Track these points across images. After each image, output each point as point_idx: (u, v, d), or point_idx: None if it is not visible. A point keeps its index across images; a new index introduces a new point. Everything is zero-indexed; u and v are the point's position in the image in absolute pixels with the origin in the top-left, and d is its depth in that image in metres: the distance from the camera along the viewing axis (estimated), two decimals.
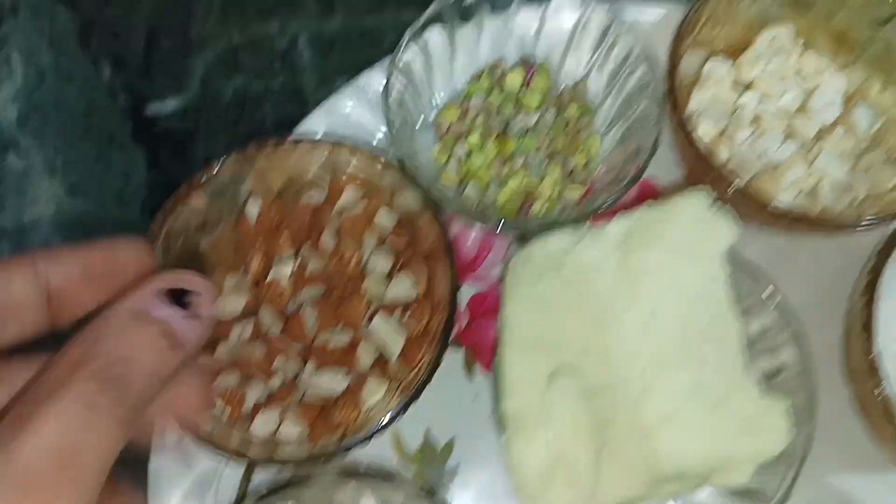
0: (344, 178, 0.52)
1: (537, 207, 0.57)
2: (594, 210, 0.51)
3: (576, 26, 0.57)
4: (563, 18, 0.56)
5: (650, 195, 0.59)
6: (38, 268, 0.32)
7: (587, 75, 0.59)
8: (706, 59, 0.58)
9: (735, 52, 0.58)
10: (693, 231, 0.43)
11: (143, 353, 0.29)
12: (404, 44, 0.54)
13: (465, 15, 0.57)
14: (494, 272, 0.57)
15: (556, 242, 0.43)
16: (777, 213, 0.49)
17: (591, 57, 0.58)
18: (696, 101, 0.57)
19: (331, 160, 0.51)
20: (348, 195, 0.51)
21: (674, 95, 0.51)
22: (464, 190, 0.57)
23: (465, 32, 0.58)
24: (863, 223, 0.49)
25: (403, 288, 0.49)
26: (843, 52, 0.57)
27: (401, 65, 0.54)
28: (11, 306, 0.31)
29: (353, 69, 0.61)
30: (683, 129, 0.50)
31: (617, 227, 0.44)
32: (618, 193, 0.51)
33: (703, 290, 0.43)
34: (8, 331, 0.32)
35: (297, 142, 0.50)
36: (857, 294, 0.49)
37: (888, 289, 0.48)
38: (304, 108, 0.62)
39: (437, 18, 0.55)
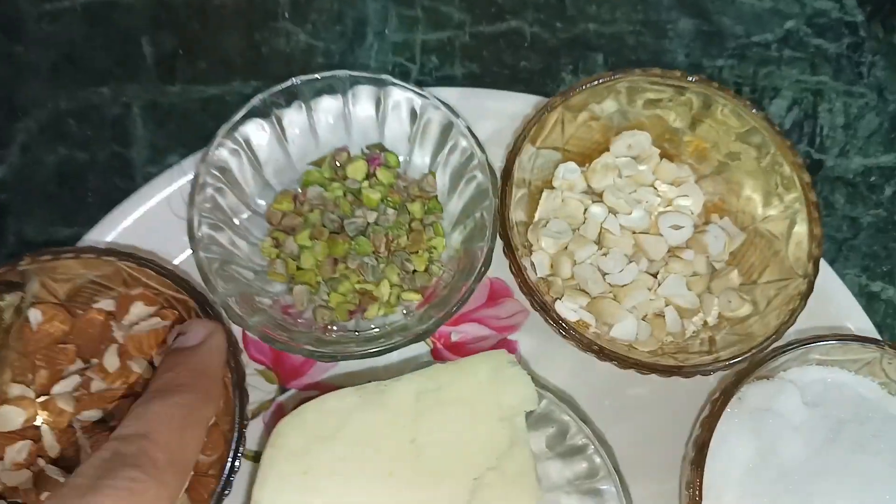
0: (135, 289, 0.46)
1: (372, 312, 0.52)
2: (425, 332, 0.47)
3: (416, 123, 0.52)
4: (404, 112, 0.51)
5: (502, 295, 0.54)
6: None
7: (434, 169, 0.54)
8: (560, 161, 0.53)
9: (593, 154, 0.54)
10: (489, 393, 0.38)
11: None
12: (217, 141, 0.48)
13: (293, 100, 0.52)
14: (324, 374, 0.52)
15: (334, 404, 0.38)
16: (605, 354, 0.45)
17: (435, 154, 0.53)
18: (545, 208, 0.52)
19: (118, 271, 0.46)
20: (137, 309, 0.46)
21: (504, 216, 0.47)
22: (292, 289, 0.52)
23: (301, 118, 0.53)
24: (696, 370, 0.45)
25: None
26: (706, 160, 0.53)
27: (213, 163, 0.49)
28: None
29: (191, 142, 0.56)
30: (511, 256, 0.46)
31: (406, 387, 0.39)
32: (447, 312, 0.47)
33: (500, 454, 0.38)
34: None
35: (77, 254, 0.45)
36: (690, 445, 0.45)
37: (720, 442, 0.44)
38: (131, 183, 0.57)
39: (257, 112, 0.50)
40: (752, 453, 0.45)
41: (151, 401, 0.37)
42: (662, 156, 0.53)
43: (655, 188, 0.52)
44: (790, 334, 0.47)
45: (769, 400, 0.45)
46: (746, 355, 0.44)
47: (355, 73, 0.49)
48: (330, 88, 0.51)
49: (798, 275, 0.47)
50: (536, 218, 0.52)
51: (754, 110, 0.48)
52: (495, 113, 0.55)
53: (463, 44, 0.62)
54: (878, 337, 0.52)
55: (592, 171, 0.53)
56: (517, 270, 0.45)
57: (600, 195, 0.52)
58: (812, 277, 0.46)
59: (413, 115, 0.52)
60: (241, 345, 0.45)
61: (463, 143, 0.49)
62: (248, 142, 0.51)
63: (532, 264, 0.51)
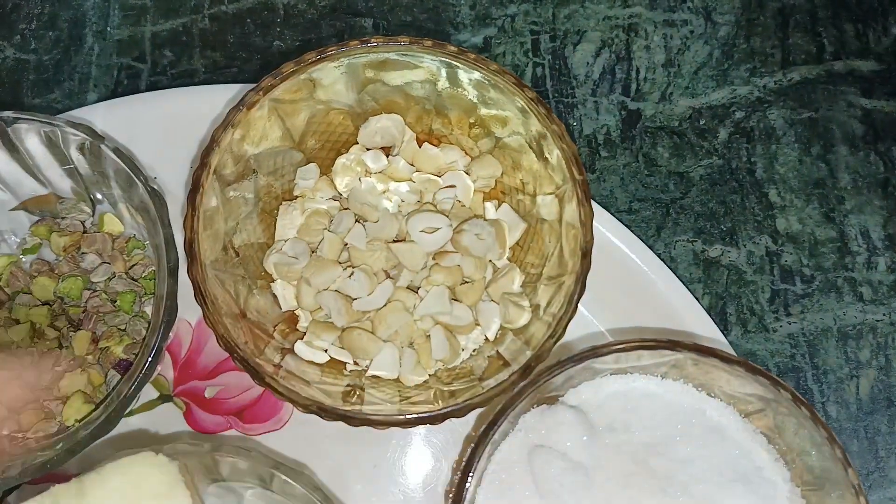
0: None
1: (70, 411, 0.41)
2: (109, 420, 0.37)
3: (68, 160, 0.42)
4: (43, 149, 0.41)
5: None
6: None
7: (114, 205, 0.44)
8: (301, 162, 0.44)
9: (345, 148, 0.45)
10: None
11: None
12: None
13: None
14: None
15: None
16: (328, 412, 0.36)
17: (103, 188, 0.43)
18: (284, 225, 0.43)
19: None
20: None
21: (194, 249, 0.37)
22: None
23: None
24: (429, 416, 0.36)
25: None
26: (482, 138, 0.44)
27: None
28: None
29: None
30: (200, 300, 0.36)
31: None
32: (137, 383, 0.37)
33: None
34: None
35: None
36: None
37: (494, 496, 0.36)
38: None
39: None
40: None
41: None
42: (426, 140, 0.44)
43: (415, 182, 0.43)
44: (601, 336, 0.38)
45: (548, 432, 0.37)
46: (500, 387, 0.35)
47: None
48: None
49: (570, 270, 0.38)
50: (277, 238, 0.43)
51: (494, 67, 0.39)
52: (209, 113, 0.45)
53: (202, 30, 0.52)
54: (712, 323, 0.44)
55: (335, 172, 0.43)
56: (209, 320, 0.36)
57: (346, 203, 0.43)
58: (581, 274, 0.37)
59: (58, 149, 0.41)
60: None
61: (115, 166, 0.40)
62: None
63: (274, 297, 0.42)
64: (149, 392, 0.44)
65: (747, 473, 0.37)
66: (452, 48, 0.39)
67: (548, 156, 0.40)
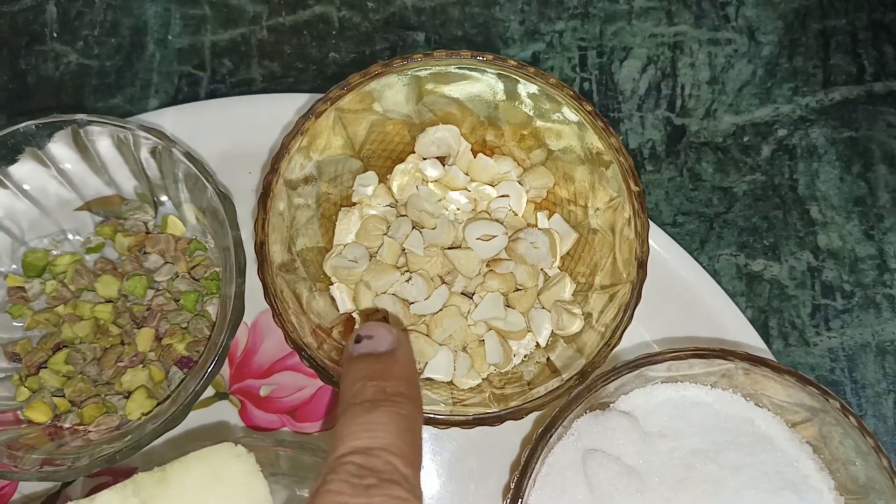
0: None
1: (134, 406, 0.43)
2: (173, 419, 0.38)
3: (137, 161, 0.43)
4: (114, 151, 0.43)
5: None
6: None
7: (180, 208, 0.45)
8: (359, 170, 0.45)
9: (402, 157, 0.46)
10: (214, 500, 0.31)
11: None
12: None
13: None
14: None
15: None
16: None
17: (172, 191, 0.45)
18: (343, 231, 0.44)
19: None
20: None
21: (264, 250, 0.38)
22: None
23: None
24: (490, 417, 0.37)
25: None
26: (535, 149, 0.45)
27: None
28: None
29: None
30: (270, 300, 0.38)
31: None
32: (203, 380, 0.39)
33: None
34: None
35: None
36: None
37: (551, 498, 0.37)
38: None
39: None
40: None
41: (373, 410, 0.31)
42: (479, 151, 0.45)
43: (469, 191, 0.44)
44: (647, 345, 0.39)
45: (601, 437, 0.38)
46: (557, 391, 0.37)
47: (40, 122, 0.41)
48: (16, 146, 0.42)
49: (625, 280, 0.39)
50: (336, 243, 0.45)
51: (552, 81, 0.40)
52: (271, 121, 0.47)
53: (260, 40, 0.54)
54: (757, 336, 0.45)
55: (393, 180, 0.44)
56: (279, 320, 0.37)
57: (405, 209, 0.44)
58: (636, 284, 0.38)
59: (128, 152, 0.43)
60: None
61: (185, 170, 0.41)
62: None
63: (332, 300, 0.44)
64: (206, 390, 0.45)
65: (795, 481, 0.38)
66: (512, 62, 0.41)
67: (602, 168, 0.41)
